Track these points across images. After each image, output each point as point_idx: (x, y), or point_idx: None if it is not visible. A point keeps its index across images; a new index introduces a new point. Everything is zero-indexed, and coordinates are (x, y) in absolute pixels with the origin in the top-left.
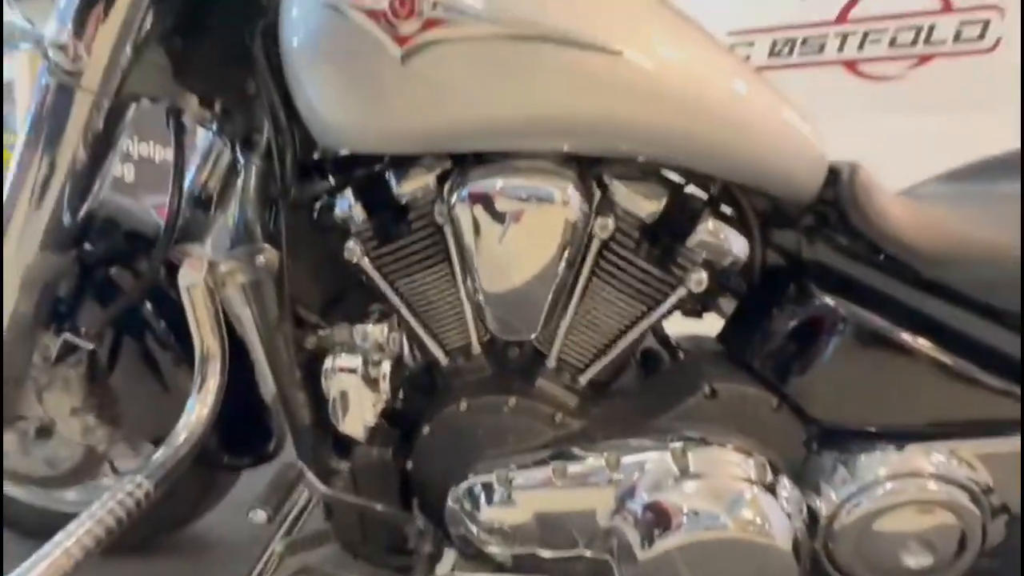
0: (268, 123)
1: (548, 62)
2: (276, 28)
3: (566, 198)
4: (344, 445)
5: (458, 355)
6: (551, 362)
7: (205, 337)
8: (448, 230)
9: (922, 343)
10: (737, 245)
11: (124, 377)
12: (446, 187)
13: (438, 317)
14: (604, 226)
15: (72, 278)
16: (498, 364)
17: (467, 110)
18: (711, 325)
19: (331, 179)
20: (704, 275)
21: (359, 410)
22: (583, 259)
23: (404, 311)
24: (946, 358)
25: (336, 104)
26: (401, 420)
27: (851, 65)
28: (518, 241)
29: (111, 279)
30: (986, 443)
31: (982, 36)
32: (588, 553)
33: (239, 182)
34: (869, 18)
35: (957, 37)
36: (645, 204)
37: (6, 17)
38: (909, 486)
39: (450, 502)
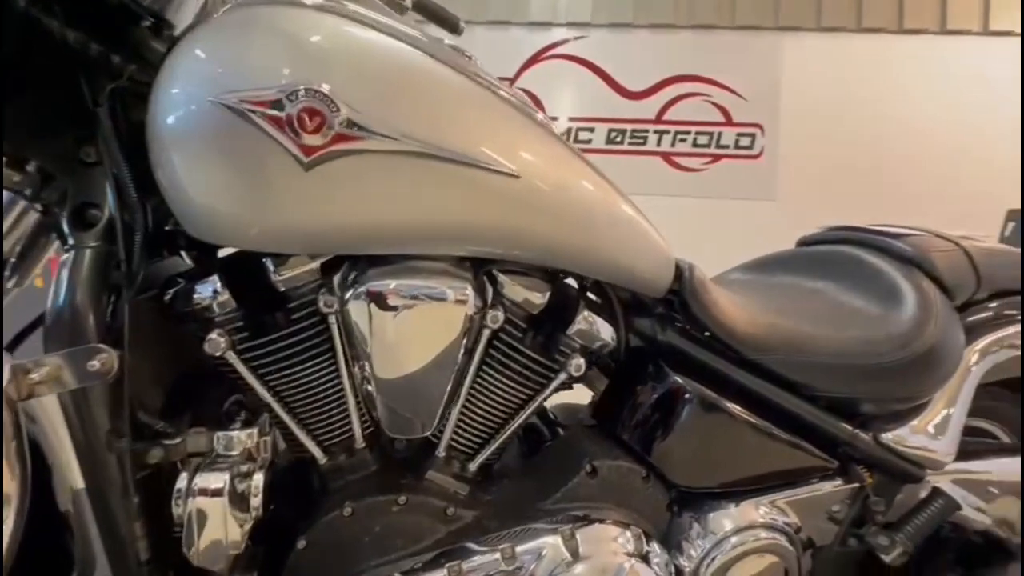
0: (111, 198)
1: (452, 178)
2: (126, 94)
3: (465, 297)
4: None
5: (339, 452)
6: (441, 451)
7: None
8: (335, 322)
9: (747, 414)
10: (607, 332)
11: None
12: (336, 280)
13: (317, 412)
14: (495, 318)
15: None
16: (383, 459)
17: (371, 216)
18: (581, 393)
19: (186, 258)
20: (582, 361)
21: (222, 536)
22: (474, 350)
23: (278, 408)
24: (764, 425)
25: (218, 198)
26: (263, 534)
27: (667, 157)
28: (418, 338)
29: None
30: (795, 491)
31: (751, 146)
32: None
33: (67, 267)
34: (679, 121)
35: (736, 144)
36: (532, 297)
37: None
38: (748, 537)
39: None
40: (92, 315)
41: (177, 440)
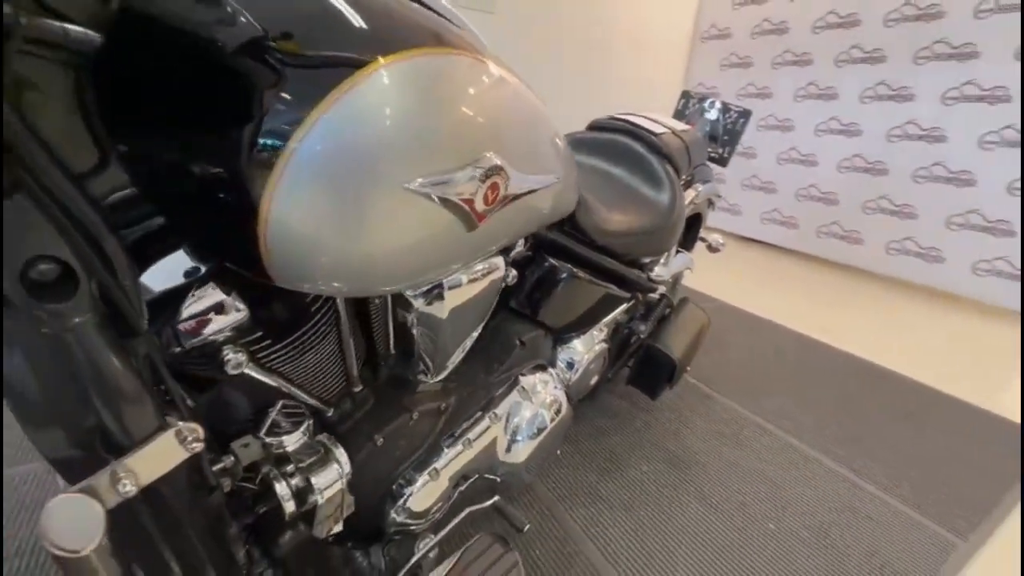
0: (69, 236)
1: (539, 197)
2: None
3: (501, 271)
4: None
5: (343, 401)
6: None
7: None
8: (343, 302)
9: (593, 278)
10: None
11: None
12: None
13: (321, 379)
14: (512, 277)
15: None
16: (376, 393)
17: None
18: None
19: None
20: (514, 272)
21: (343, 506)
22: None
23: (291, 390)
24: (602, 283)
25: (382, 255)
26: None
27: None
28: (469, 306)
29: None
30: (608, 317)
31: None
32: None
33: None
34: None
35: None
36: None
37: None
38: (591, 347)
39: (392, 514)
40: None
41: (229, 460)
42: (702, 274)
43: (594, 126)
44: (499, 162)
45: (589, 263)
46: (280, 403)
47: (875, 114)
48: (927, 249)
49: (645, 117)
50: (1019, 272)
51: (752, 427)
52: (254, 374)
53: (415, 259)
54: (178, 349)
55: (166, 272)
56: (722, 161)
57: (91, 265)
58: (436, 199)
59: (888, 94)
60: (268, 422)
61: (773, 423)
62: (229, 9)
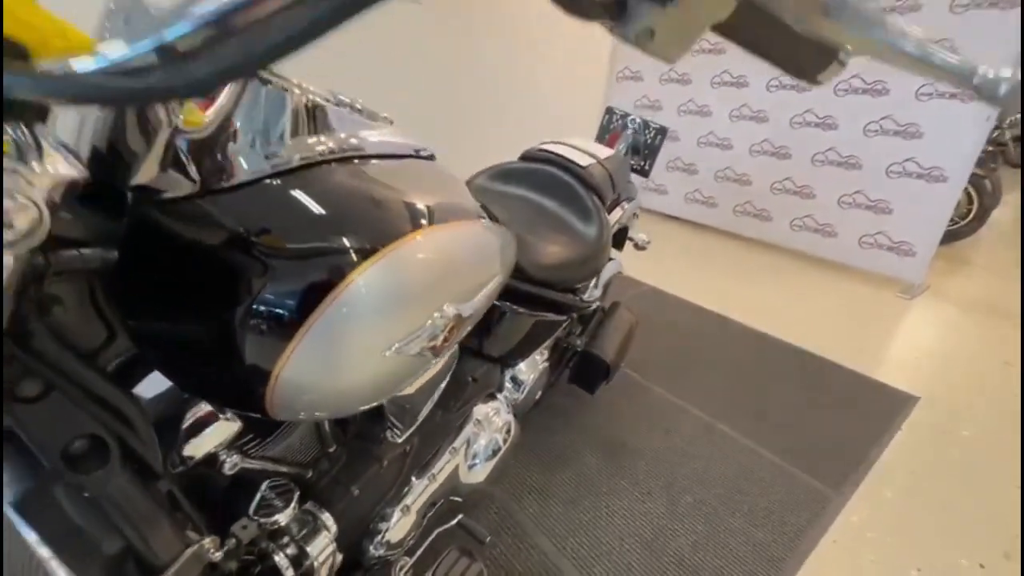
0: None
1: None
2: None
3: None
4: None
5: (321, 461)
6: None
7: None
8: None
9: (532, 310)
10: None
11: None
12: None
13: (300, 453)
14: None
15: None
16: (349, 450)
17: None
18: None
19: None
20: None
21: (328, 571)
22: None
23: (279, 471)
24: (540, 313)
25: (359, 390)
26: None
27: None
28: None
29: None
30: (549, 340)
31: None
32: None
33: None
34: None
35: None
36: None
37: None
38: (537, 366)
39: (372, 549)
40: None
41: (232, 542)
42: (631, 262)
43: (526, 156)
44: (455, 311)
45: (529, 297)
46: (267, 482)
47: (780, 103)
48: (823, 225)
49: (572, 147)
50: (896, 244)
51: (677, 411)
52: (247, 466)
53: (390, 386)
54: (182, 468)
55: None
56: (644, 173)
57: (117, 431)
58: (407, 354)
59: (791, 83)
60: (258, 501)
61: (696, 405)
62: (232, 224)
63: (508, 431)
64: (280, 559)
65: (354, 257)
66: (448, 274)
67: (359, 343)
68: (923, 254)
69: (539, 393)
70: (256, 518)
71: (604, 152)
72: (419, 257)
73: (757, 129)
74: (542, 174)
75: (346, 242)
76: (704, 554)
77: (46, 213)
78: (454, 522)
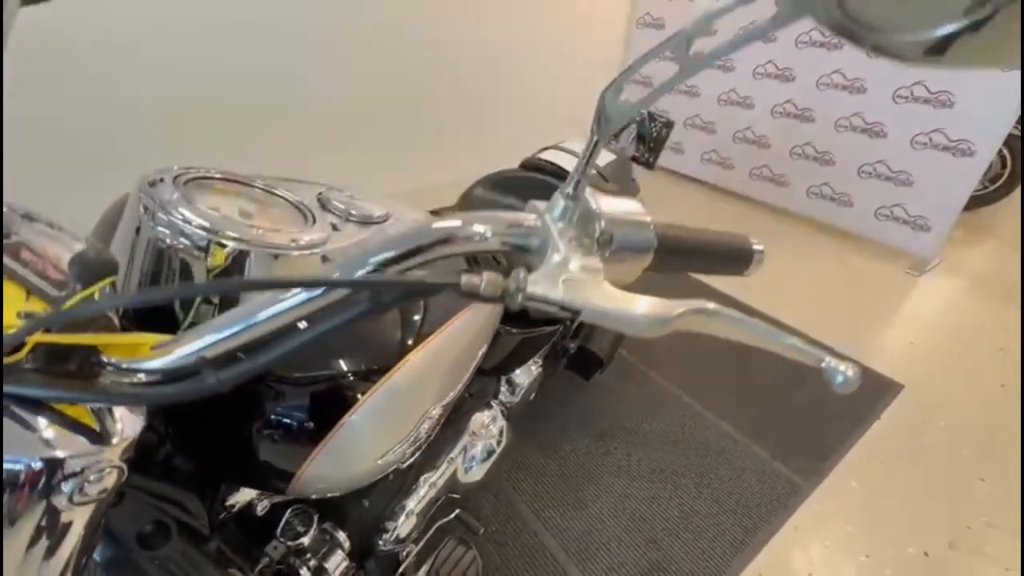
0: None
1: None
2: None
3: None
4: None
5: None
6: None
7: None
8: None
9: (525, 329)
10: None
11: None
12: None
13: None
14: None
15: None
16: None
17: None
18: None
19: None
20: None
21: None
22: None
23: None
24: (536, 330)
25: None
26: None
27: None
28: None
29: None
30: (543, 350)
31: None
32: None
33: None
34: None
35: None
36: None
37: None
38: (532, 372)
39: (380, 543)
40: None
41: (266, 560)
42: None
43: (526, 165)
44: (439, 411)
45: (523, 316)
46: (290, 509)
47: (808, 60)
48: (840, 194)
49: (572, 153)
50: (912, 218)
51: (667, 395)
52: (277, 501)
53: (394, 462)
54: (225, 515)
55: None
56: (648, 165)
57: (174, 514)
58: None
59: (821, 39)
60: (283, 525)
61: (686, 391)
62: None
63: (502, 434)
64: (305, 573)
65: (357, 388)
66: (437, 379)
67: (365, 451)
68: (938, 230)
69: (532, 395)
70: (283, 540)
71: (604, 158)
72: (412, 380)
73: (781, 89)
74: (539, 184)
75: (350, 370)
76: (672, 539)
77: (126, 469)
78: (453, 515)
